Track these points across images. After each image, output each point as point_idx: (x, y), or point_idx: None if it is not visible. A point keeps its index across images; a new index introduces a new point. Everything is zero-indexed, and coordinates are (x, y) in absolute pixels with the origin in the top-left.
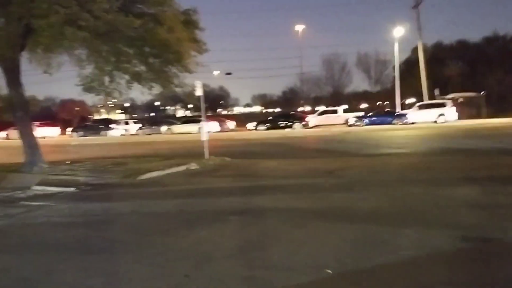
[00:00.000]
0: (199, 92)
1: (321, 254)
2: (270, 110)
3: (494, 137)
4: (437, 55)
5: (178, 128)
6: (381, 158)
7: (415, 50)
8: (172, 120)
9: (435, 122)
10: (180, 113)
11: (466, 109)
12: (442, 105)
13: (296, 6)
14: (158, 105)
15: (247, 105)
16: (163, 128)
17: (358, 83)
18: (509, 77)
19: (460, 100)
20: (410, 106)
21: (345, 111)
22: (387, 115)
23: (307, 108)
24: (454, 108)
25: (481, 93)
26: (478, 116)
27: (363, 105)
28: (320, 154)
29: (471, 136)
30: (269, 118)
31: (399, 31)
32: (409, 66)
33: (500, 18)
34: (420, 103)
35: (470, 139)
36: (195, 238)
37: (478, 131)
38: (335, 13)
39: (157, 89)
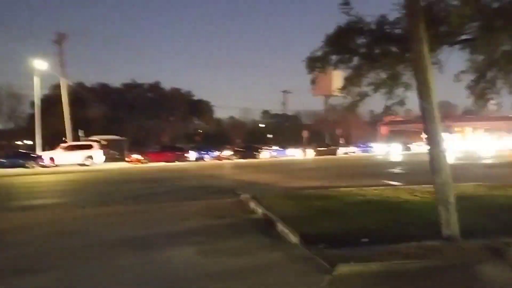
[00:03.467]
0: None
1: None
2: None
3: (156, 180)
4: (80, 95)
5: None
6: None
7: (55, 87)
8: None
9: (83, 164)
10: None
11: (109, 152)
12: (89, 146)
13: None
14: None
15: None
16: None
17: None
18: (148, 122)
19: (104, 143)
20: (52, 147)
21: None
22: (20, 156)
23: None
24: (102, 150)
25: (124, 138)
26: (121, 159)
27: None
28: None
29: (133, 179)
30: None
31: (41, 65)
32: (49, 104)
33: (139, 66)
34: (66, 144)
35: (138, 183)
36: None
37: (132, 174)
38: None
39: None
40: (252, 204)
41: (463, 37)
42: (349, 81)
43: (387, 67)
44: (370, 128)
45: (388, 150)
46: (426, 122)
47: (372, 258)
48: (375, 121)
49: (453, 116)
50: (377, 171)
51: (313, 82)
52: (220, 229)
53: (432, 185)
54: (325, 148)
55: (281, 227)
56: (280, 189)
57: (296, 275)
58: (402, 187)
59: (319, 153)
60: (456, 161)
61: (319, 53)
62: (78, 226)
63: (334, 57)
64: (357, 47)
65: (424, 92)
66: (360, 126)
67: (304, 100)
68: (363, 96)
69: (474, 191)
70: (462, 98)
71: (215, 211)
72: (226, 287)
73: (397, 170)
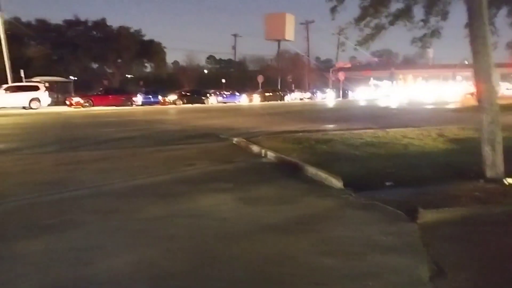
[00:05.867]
0: None
1: None
2: None
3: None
4: (15, 32)
5: None
6: (16, 156)
7: None
8: None
9: (29, 107)
10: None
11: (54, 95)
12: (35, 88)
13: None
14: None
15: None
16: None
17: None
18: (94, 63)
19: (46, 84)
20: None
21: None
22: None
23: None
24: (47, 92)
25: (69, 79)
26: (62, 102)
27: None
28: None
29: (91, 123)
30: None
31: None
32: None
33: (81, 2)
34: (8, 86)
35: (99, 127)
36: None
37: (81, 118)
38: None
39: None
40: (255, 148)
41: None
42: (367, 11)
43: None
44: (318, 75)
45: (333, 96)
46: (478, 55)
47: (432, 203)
48: (325, 68)
49: (394, 63)
50: (341, 115)
51: (332, 11)
52: (240, 174)
53: (417, 128)
54: (271, 94)
55: (314, 170)
56: (262, 133)
57: (372, 224)
58: (393, 129)
59: (266, 99)
60: (417, 106)
61: None
62: (64, 174)
63: None
64: None
65: (476, 25)
66: (310, 72)
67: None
68: (379, 28)
69: (465, 134)
70: (402, 46)
71: (216, 156)
72: (298, 242)
73: (357, 114)
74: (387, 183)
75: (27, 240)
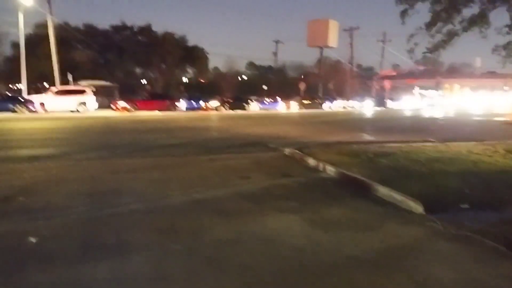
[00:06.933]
0: None
1: None
2: None
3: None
4: (64, 36)
5: None
6: (64, 161)
7: (39, 26)
8: None
9: (76, 111)
10: None
11: (99, 99)
12: (82, 92)
13: None
14: None
15: None
16: None
17: None
18: (139, 68)
19: (93, 88)
20: (37, 91)
21: None
22: (8, 100)
23: None
24: (94, 97)
25: (115, 84)
26: (109, 106)
27: None
28: None
29: (137, 129)
30: None
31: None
32: (31, 45)
33: (127, 7)
34: (58, 89)
35: (147, 133)
36: None
37: (128, 123)
38: None
39: None
40: (311, 160)
41: None
42: (439, 16)
43: None
44: (361, 83)
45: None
46: None
47: None
48: (369, 76)
49: (441, 72)
50: (388, 126)
51: (402, 15)
52: (301, 191)
53: (479, 142)
54: (309, 102)
55: (385, 191)
56: (312, 143)
57: (473, 262)
58: (454, 144)
59: (304, 106)
60: (465, 117)
61: None
62: (116, 183)
63: None
64: None
65: None
66: (353, 80)
67: (290, 51)
68: (452, 35)
69: None
70: (447, 55)
71: (271, 168)
72: (394, 281)
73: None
74: (462, 206)
75: (84, 264)
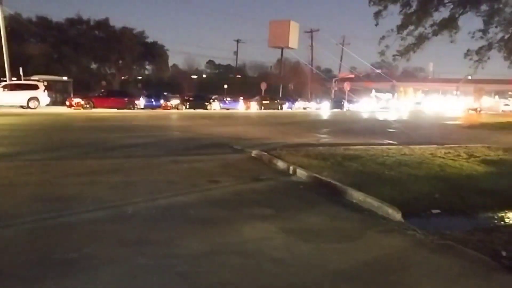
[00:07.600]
0: None
1: None
2: None
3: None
4: (16, 28)
5: None
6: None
7: None
8: None
9: (27, 107)
10: None
11: (53, 95)
12: (35, 87)
13: None
14: None
15: None
16: None
17: None
18: (95, 65)
19: (45, 83)
20: None
21: None
22: None
23: None
24: (47, 92)
25: (70, 79)
26: (63, 102)
27: None
28: None
29: (96, 127)
30: None
31: None
32: None
33: (84, 0)
34: (6, 83)
35: (107, 132)
36: None
37: (85, 121)
38: None
39: None
40: (280, 163)
41: None
42: (410, 19)
43: None
44: (320, 84)
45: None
46: None
47: None
48: (328, 78)
49: (394, 76)
50: (349, 128)
51: (376, 16)
52: (275, 196)
53: (441, 145)
54: (268, 102)
55: (361, 196)
56: (277, 145)
57: (461, 275)
58: (416, 147)
59: (263, 107)
60: (419, 120)
61: None
62: (75, 188)
63: None
64: None
65: None
66: (313, 81)
67: (250, 51)
68: (422, 39)
69: (496, 155)
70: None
71: (239, 171)
72: None
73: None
74: (434, 211)
75: (41, 283)
